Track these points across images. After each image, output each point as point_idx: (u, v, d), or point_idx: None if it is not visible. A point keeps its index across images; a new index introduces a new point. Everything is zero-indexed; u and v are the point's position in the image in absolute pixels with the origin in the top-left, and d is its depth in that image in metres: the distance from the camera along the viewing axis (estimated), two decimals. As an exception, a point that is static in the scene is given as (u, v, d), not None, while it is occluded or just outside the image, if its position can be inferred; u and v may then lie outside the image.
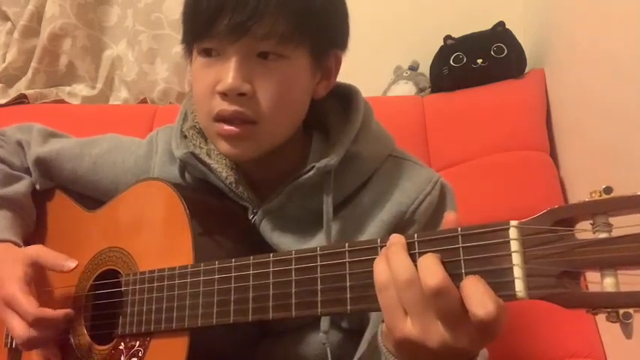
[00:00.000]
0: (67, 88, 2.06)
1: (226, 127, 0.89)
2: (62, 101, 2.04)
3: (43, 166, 1.14)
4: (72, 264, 0.97)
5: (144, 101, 2.03)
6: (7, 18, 2.07)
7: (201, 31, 0.88)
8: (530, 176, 1.58)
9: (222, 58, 0.88)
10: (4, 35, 2.07)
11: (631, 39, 1.18)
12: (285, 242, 0.97)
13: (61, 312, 0.95)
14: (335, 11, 0.94)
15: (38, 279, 1.00)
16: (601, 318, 1.35)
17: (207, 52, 0.90)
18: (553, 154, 1.65)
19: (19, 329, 0.93)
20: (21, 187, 1.12)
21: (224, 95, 0.88)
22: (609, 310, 0.54)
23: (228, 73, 0.86)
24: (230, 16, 0.84)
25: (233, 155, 0.93)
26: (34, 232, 1.15)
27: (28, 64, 2.03)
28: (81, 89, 2.06)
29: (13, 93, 2.02)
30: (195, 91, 0.95)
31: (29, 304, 0.93)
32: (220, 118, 0.89)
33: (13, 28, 2.05)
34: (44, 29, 2.00)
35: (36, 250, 1.00)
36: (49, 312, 0.94)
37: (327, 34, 0.92)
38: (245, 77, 0.87)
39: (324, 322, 0.92)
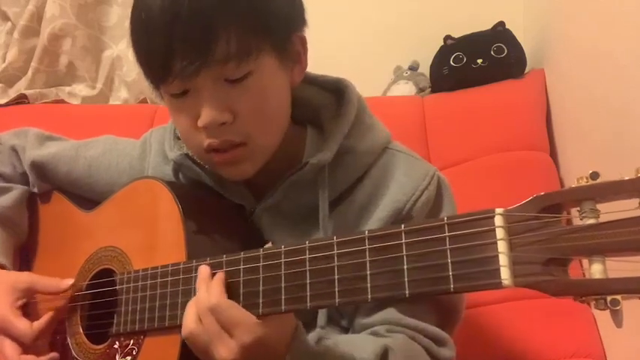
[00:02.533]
0: (67, 88, 2.06)
1: (220, 155, 0.89)
2: (62, 101, 2.05)
3: (39, 169, 1.14)
4: (68, 281, 0.98)
5: (144, 101, 2.04)
6: (7, 18, 2.08)
7: (160, 75, 0.86)
8: (530, 176, 1.58)
9: (192, 93, 0.86)
10: (4, 35, 2.08)
11: (631, 39, 1.18)
12: (284, 239, 0.96)
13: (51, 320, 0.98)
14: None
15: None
16: (600, 318, 1.34)
17: (174, 95, 0.88)
18: (553, 154, 1.65)
19: (12, 355, 0.95)
20: (7, 199, 1.12)
21: (206, 128, 0.86)
22: (597, 297, 0.53)
23: (203, 107, 0.85)
24: (182, 55, 0.82)
25: (235, 177, 0.93)
26: (30, 235, 1.15)
27: (28, 64, 2.04)
28: (81, 89, 2.06)
29: (13, 93, 2.02)
30: (177, 127, 0.95)
31: (25, 328, 0.95)
32: (211, 149, 0.88)
33: (13, 28, 2.06)
34: (44, 29, 2.01)
35: (27, 278, 1.01)
36: (42, 323, 0.97)
37: (283, 25, 0.89)
38: (221, 106, 0.85)
39: (321, 318, 0.92)
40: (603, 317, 1.36)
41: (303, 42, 0.94)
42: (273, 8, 0.86)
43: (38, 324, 0.97)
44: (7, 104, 2.01)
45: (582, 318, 1.36)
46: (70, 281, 0.98)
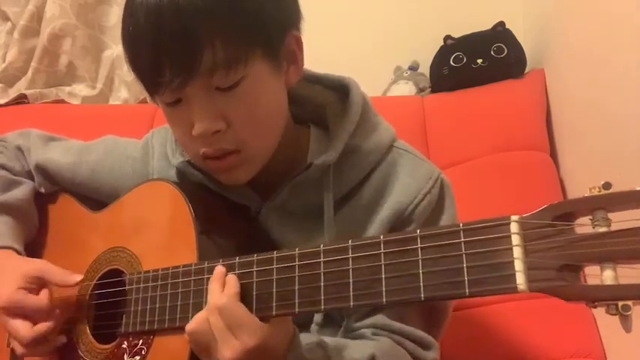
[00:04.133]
0: (67, 88, 2.06)
1: (215, 162, 0.89)
2: (62, 101, 2.05)
3: (44, 172, 1.15)
4: (77, 277, 0.97)
5: (144, 101, 2.03)
6: (7, 18, 2.08)
7: (151, 86, 0.86)
8: (530, 176, 1.58)
9: (185, 102, 0.86)
10: (4, 35, 2.07)
11: (631, 39, 1.18)
12: (290, 239, 0.96)
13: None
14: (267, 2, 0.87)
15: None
16: (601, 318, 1.35)
17: (168, 104, 0.88)
18: (553, 154, 1.66)
19: (24, 330, 0.94)
20: (20, 192, 1.12)
21: (200, 137, 0.86)
22: (608, 302, 0.54)
23: (195, 116, 0.85)
24: (169, 68, 0.81)
25: (231, 182, 0.93)
26: (38, 234, 1.15)
27: (28, 64, 2.03)
28: (81, 89, 2.06)
29: (13, 93, 2.02)
30: (174, 134, 0.97)
31: (39, 301, 0.95)
32: (207, 157, 0.89)
33: (13, 28, 2.06)
34: (44, 29, 2.01)
35: (41, 265, 1.00)
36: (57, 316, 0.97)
37: (272, 29, 0.87)
38: (213, 115, 0.85)
39: (318, 315, 0.93)
40: (603, 317, 1.36)
41: (298, 41, 0.93)
42: (261, 14, 0.85)
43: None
44: (7, 104, 2.00)
45: (582, 318, 1.37)
46: (79, 277, 0.97)
